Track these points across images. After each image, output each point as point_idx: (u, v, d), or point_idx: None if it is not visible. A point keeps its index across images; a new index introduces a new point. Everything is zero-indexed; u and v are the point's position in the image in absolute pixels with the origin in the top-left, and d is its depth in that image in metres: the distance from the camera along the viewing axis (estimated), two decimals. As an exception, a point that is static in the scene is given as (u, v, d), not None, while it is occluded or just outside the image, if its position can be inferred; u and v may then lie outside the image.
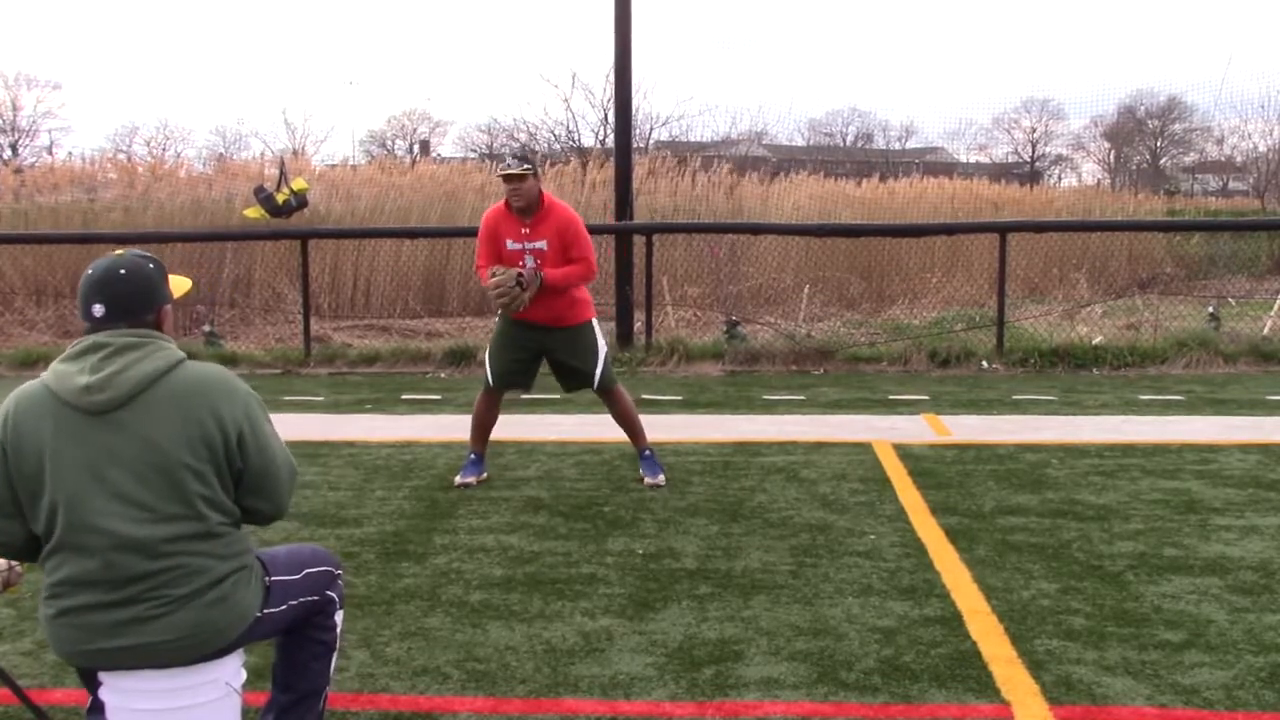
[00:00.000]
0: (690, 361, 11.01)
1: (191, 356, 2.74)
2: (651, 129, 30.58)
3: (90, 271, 2.69)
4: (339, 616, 3.04)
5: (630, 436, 6.30)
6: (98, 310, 2.64)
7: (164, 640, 2.55)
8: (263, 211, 12.84)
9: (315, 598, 2.94)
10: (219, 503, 2.64)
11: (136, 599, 2.55)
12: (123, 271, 2.67)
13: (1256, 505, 5.62)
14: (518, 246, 5.85)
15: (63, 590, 2.58)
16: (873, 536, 5.16)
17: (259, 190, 13.13)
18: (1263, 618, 4.11)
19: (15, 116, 41.82)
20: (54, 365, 2.65)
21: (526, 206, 5.78)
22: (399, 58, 75.43)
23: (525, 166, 5.68)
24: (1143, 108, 39.82)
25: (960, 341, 11.17)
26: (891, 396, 9.18)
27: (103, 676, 2.63)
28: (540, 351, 6.11)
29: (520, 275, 5.75)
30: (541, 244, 5.82)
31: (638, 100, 17.81)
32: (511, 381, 6.18)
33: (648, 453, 6.27)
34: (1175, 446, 7.01)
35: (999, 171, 34.21)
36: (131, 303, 2.66)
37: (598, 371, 6.07)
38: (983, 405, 8.74)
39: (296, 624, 2.92)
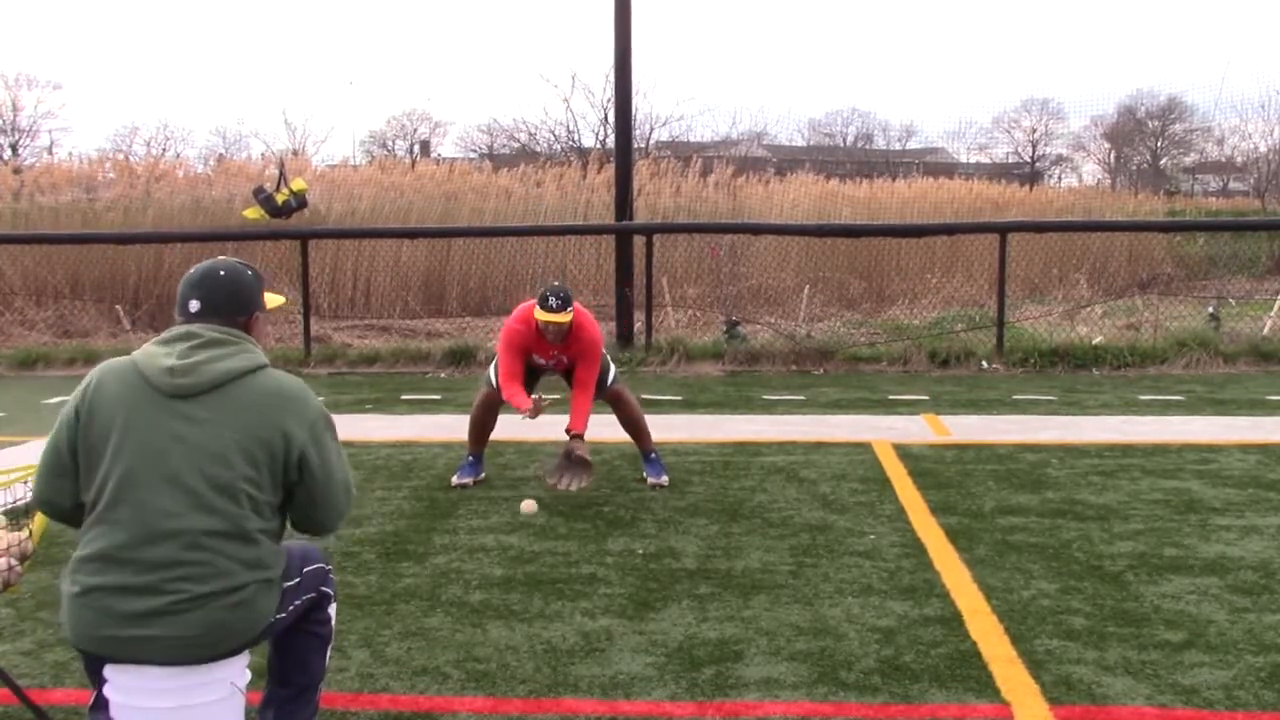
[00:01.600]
0: (690, 361, 11.02)
1: None
2: (652, 129, 30.62)
3: (191, 272, 2.85)
4: (332, 609, 3.08)
5: (636, 440, 6.31)
6: (194, 305, 2.79)
7: (177, 636, 2.56)
8: (262, 212, 12.84)
9: (313, 594, 2.97)
10: (263, 510, 2.70)
11: (158, 589, 2.56)
12: (222, 273, 2.84)
13: (1256, 505, 5.63)
14: (545, 363, 6.09)
15: (91, 567, 2.61)
16: (873, 536, 5.16)
17: (258, 191, 13.12)
18: (1263, 618, 4.11)
19: (15, 116, 41.79)
20: (145, 346, 2.77)
21: (561, 338, 5.94)
22: (399, 58, 75.38)
23: (568, 310, 5.79)
24: (1143, 108, 39.77)
25: (960, 341, 11.17)
26: (891, 396, 9.18)
27: (108, 674, 2.63)
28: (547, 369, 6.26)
29: (573, 453, 5.85)
30: (565, 358, 6.06)
31: (638, 100, 17.83)
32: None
33: (653, 455, 6.28)
34: (1175, 446, 7.02)
35: (999, 172, 34.16)
36: (226, 302, 2.80)
37: (608, 381, 6.21)
38: (983, 405, 8.75)
39: (296, 621, 2.94)
